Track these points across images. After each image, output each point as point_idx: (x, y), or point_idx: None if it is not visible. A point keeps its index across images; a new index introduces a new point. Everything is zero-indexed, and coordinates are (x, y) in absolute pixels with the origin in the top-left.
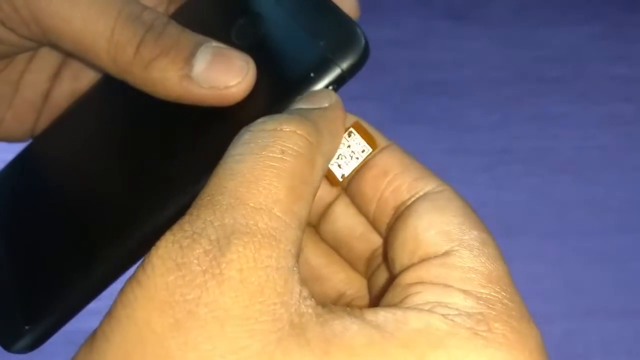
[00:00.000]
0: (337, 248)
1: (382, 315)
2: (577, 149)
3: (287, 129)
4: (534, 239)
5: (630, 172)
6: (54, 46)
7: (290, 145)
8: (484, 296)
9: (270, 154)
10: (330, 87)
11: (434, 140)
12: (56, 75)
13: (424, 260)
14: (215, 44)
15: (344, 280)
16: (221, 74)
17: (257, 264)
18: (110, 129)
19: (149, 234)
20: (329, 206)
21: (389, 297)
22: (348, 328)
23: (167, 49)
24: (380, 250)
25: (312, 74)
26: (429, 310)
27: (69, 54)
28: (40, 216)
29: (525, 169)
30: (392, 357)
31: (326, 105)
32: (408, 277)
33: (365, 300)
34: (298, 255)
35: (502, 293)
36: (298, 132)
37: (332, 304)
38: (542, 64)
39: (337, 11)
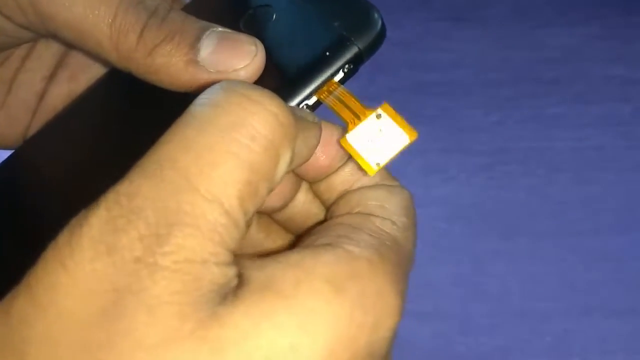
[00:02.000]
0: (288, 228)
1: (296, 253)
2: (574, 149)
3: (269, 108)
4: (531, 238)
5: (627, 172)
6: (53, 35)
7: (263, 133)
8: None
9: (238, 138)
10: (347, 67)
11: (432, 140)
12: (52, 76)
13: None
14: (221, 28)
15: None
16: (228, 57)
17: (195, 258)
18: (106, 130)
19: None
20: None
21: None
22: (273, 276)
23: (171, 34)
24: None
25: (327, 53)
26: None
27: (69, 45)
28: (30, 216)
29: (523, 169)
30: (319, 293)
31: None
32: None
33: None
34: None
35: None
36: (279, 118)
37: None
38: (540, 65)
39: None
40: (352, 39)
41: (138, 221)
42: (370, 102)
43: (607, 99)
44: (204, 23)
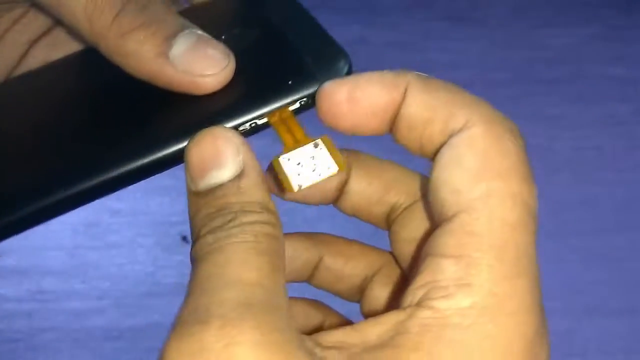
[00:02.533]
0: (357, 216)
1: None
2: (574, 149)
3: (252, 221)
4: None
5: (627, 172)
6: (33, 2)
7: (263, 232)
8: (476, 263)
9: (248, 240)
10: (304, 101)
11: None
12: (36, 40)
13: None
14: (200, 31)
15: (365, 268)
16: (199, 61)
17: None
18: (70, 92)
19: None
20: (345, 184)
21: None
22: None
23: (149, 22)
24: (398, 206)
25: (290, 82)
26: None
27: (49, 15)
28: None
29: None
30: None
31: (239, 159)
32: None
33: (388, 269)
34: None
35: (501, 264)
36: (261, 220)
37: (357, 293)
38: (540, 65)
39: (327, 36)
40: (317, 77)
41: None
42: None
43: (606, 99)
44: (186, 22)
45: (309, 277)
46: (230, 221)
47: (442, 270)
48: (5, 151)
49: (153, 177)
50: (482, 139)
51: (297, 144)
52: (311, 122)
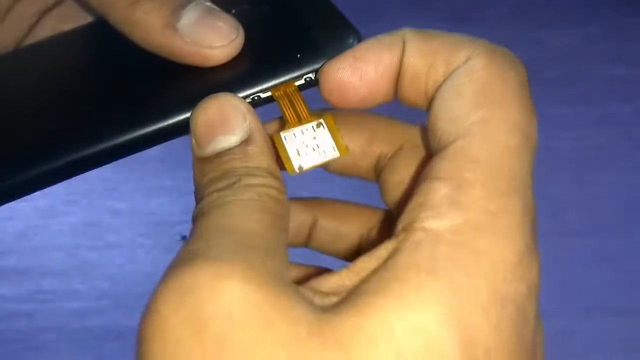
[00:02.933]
0: (346, 173)
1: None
2: (574, 149)
3: (258, 183)
4: None
5: (628, 173)
6: None
7: (269, 193)
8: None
9: (254, 204)
10: (309, 77)
11: None
12: (46, 11)
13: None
14: (208, 3)
15: (360, 226)
16: (207, 33)
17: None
18: (77, 63)
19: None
20: None
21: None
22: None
23: None
24: (384, 155)
25: (298, 55)
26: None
27: None
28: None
29: None
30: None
31: (246, 126)
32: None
33: (384, 226)
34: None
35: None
36: (268, 184)
37: (356, 252)
38: (540, 65)
39: (337, 12)
40: (326, 51)
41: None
42: None
43: (607, 99)
44: None
45: (307, 241)
46: (235, 182)
47: (434, 190)
48: (13, 114)
49: (153, 177)
50: (482, 69)
51: (300, 122)
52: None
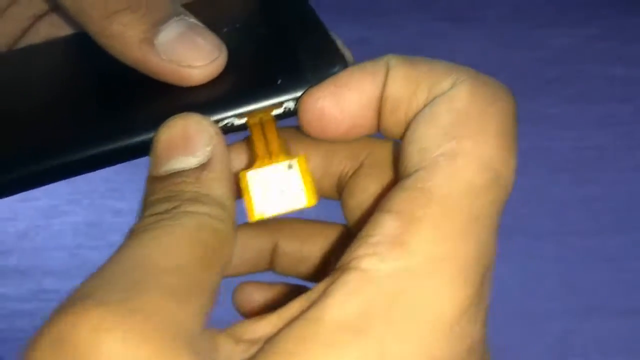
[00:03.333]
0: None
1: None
2: (574, 149)
3: (196, 211)
4: (531, 238)
5: (627, 172)
6: None
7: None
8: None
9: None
10: (289, 107)
11: None
12: (40, 17)
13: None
14: (192, 19)
15: (323, 246)
16: (187, 51)
17: None
18: (60, 71)
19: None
20: None
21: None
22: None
23: (137, 5)
24: (345, 175)
25: (279, 81)
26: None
27: None
28: None
29: (523, 169)
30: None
31: (207, 150)
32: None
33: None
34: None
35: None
36: (209, 213)
37: (322, 273)
38: (540, 65)
39: (329, 40)
40: (309, 79)
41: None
42: None
43: (607, 99)
44: (178, 8)
45: (270, 266)
46: (175, 207)
47: (381, 225)
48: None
49: None
50: (463, 99)
51: (270, 159)
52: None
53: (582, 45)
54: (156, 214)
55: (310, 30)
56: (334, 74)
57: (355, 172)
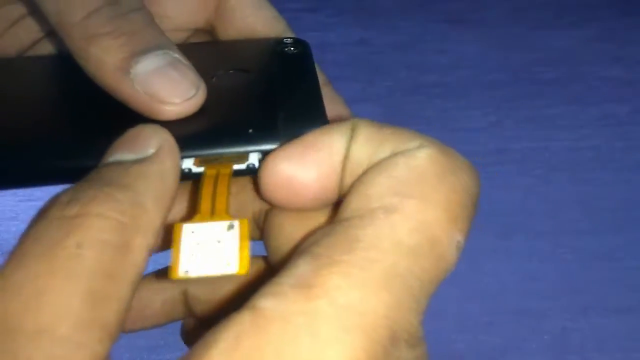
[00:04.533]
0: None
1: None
2: (571, 149)
3: (94, 212)
4: (529, 237)
5: (624, 173)
6: None
7: (91, 236)
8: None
9: (62, 252)
10: (258, 155)
11: None
12: (36, 42)
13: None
14: (177, 55)
15: (236, 288)
16: (164, 86)
17: None
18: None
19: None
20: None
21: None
22: None
23: (119, 31)
24: (262, 212)
25: (250, 130)
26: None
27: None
28: None
29: (520, 169)
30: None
31: (150, 152)
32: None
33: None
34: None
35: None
36: (106, 214)
37: None
38: (537, 67)
39: (318, 103)
40: (280, 135)
41: None
42: (368, 104)
43: (604, 100)
44: (164, 40)
45: (185, 314)
46: (78, 203)
47: (294, 266)
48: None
49: None
50: (424, 159)
51: (211, 216)
52: None
53: (580, 46)
54: (63, 203)
55: (304, 91)
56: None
57: (274, 211)
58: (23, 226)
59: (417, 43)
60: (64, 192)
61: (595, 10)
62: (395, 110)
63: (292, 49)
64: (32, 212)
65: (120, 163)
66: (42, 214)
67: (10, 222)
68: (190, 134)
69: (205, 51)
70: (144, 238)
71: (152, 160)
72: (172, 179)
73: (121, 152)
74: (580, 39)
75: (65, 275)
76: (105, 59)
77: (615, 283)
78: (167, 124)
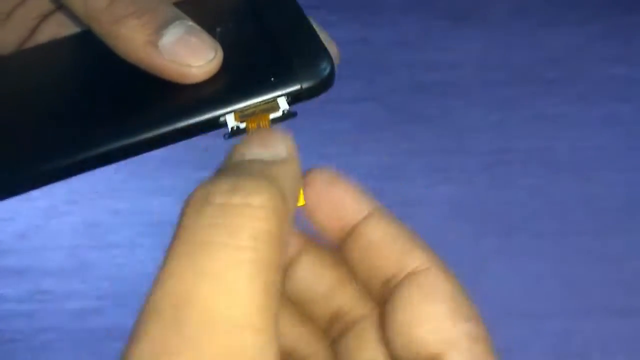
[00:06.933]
0: (295, 304)
1: None
2: (575, 149)
3: (256, 204)
4: (532, 237)
5: (628, 172)
6: None
7: (263, 228)
8: None
9: (242, 243)
10: (285, 99)
11: (433, 140)
12: (46, 17)
13: None
14: (191, 23)
15: (298, 337)
16: (187, 52)
17: None
18: (68, 70)
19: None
20: (292, 263)
21: None
22: None
23: (141, 11)
24: (344, 313)
25: (272, 78)
26: None
27: None
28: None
29: (524, 169)
30: None
31: (284, 155)
32: None
33: None
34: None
35: None
36: (268, 205)
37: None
38: (541, 65)
39: (316, 38)
40: (300, 77)
41: None
42: (371, 102)
43: (608, 99)
44: (178, 12)
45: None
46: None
47: None
48: (9, 113)
49: (153, 177)
50: (444, 282)
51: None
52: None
53: (583, 45)
54: (223, 193)
55: (297, 28)
56: (322, 71)
57: (359, 322)
58: (20, 226)
59: (419, 41)
60: (217, 180)
61: (598, 8)
62: (396, 108)
63: None
64: (29, 213)
65: (260, 160)
66: (200, 201)
67: (6, 223)
68: (222, 92)
69: (194, 11)
70: (290, 231)
71: (288, 161)
72: (301, 179)
73: (257, 150)
74: (584, 37)
75: (248, 270)
76: (135, 36)
77: (619, 284)
78: (197, 87)
